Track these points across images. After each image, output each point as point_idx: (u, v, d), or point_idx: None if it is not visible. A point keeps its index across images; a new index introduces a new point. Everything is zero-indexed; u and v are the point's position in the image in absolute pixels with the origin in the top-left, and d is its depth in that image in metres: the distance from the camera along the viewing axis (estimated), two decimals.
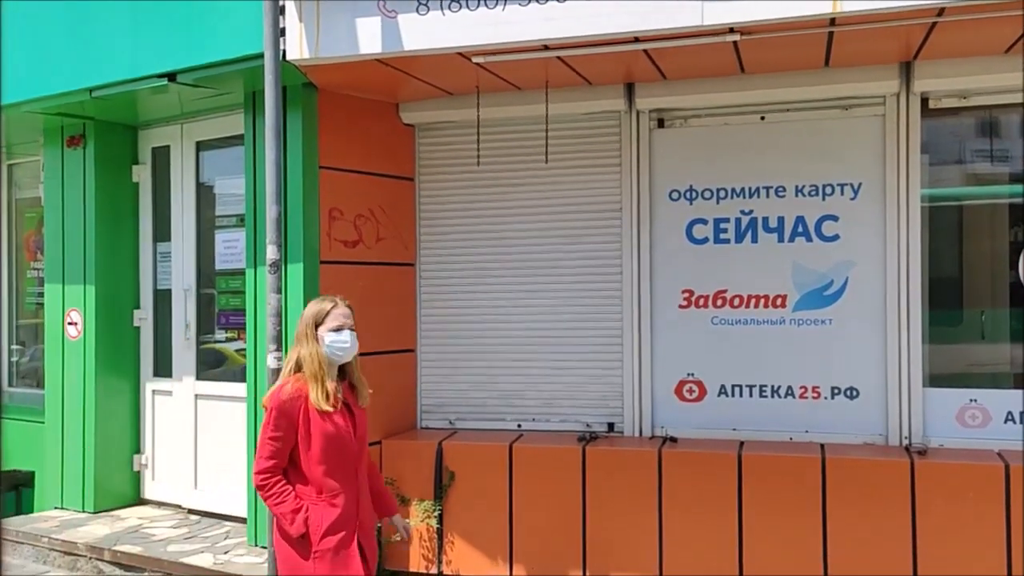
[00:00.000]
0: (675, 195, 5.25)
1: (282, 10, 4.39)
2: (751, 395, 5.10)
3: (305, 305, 4.81)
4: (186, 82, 4.89)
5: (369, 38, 4.33)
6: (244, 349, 5.53)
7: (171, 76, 4.87)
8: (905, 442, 4.77)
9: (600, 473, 4.93)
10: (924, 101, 4.83)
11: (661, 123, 5.28)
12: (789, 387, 5.02)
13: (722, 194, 5.17)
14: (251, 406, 5.10)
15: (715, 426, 5.13)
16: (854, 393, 4.92)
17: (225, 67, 4.74)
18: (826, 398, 4.96)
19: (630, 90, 5.17)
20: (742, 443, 4.91)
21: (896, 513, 4.43)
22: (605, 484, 4.91)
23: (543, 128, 5.25)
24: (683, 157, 5.23)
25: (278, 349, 3.98)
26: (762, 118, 5.10)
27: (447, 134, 5.61)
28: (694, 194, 5.21)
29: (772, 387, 5.06)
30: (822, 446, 4.78)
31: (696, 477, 4.77)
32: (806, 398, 4.99)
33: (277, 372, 3.98)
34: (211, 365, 5.91)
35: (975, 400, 4.75)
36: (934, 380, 4.85)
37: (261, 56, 4.48)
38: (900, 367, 4.80)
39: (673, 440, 5.07)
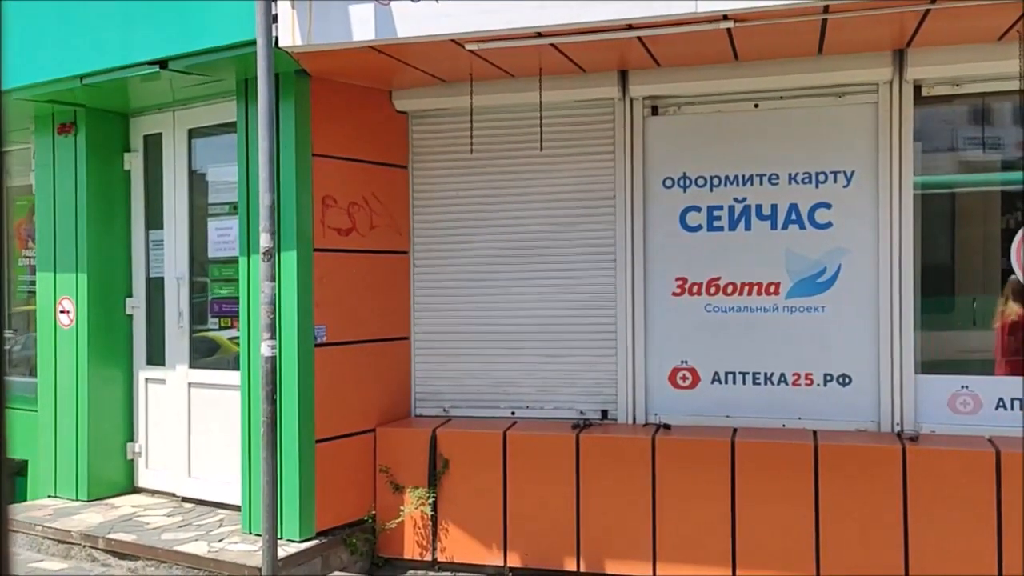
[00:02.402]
0: (668, 183, 5.25)
1: None
2: (744, 382, 5.12)
3: (299, 294, 4.86)
4: (178, 69, 4.86)
5: (362, 25, 4.31)
6: (236, 338, 5.52)
7: (163, 63, 4.83)
8: (897, 428, 4.80)
9: (594, 460, 4.95)
10: (917, 88, 4.83)
11: (655, 110, 5.27)
12: (782, 374, 5.04)
13: (715, 182, 5.17)
14: (244, 394, 5.09)
15: (708, 413, 5.15)
16: (847, 380, 4.94)
17: (217, 54, 4.70)
18: (819, 385, 4.98)
19: (623, 77, 5.16)
20: (735, 430, 4.94)
21: (888, 498, 4.46)
22: (599, 471, 4.93)
23: (536, 116, 5.24)
24: (677, 144, 5.23)
25: (272, 337, 3.97)
26: (756, 106, 5.10)
27: (440, 122, 5.59)
28: (688, 182, 5.22)
29: (765, 374, 5.08)
30: (815, 433, 4.80)
31: (690, 464, 4.80)
32: (799, 385, 5.01)
33: (271, 360, 3.98)
34: (204, 353, 5.90)
35: (966, 387, 4.77)
36: (926, 367, 4.88)
37: (253, 43, 4.45)
38: (892, 354, 4.82)
39: (667, 427, 5.09)
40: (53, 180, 6.02)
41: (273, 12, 4.36)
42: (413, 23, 4.24)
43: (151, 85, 5.29)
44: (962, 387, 4.78)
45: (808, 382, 5.00)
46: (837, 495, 4.54)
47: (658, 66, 5.00)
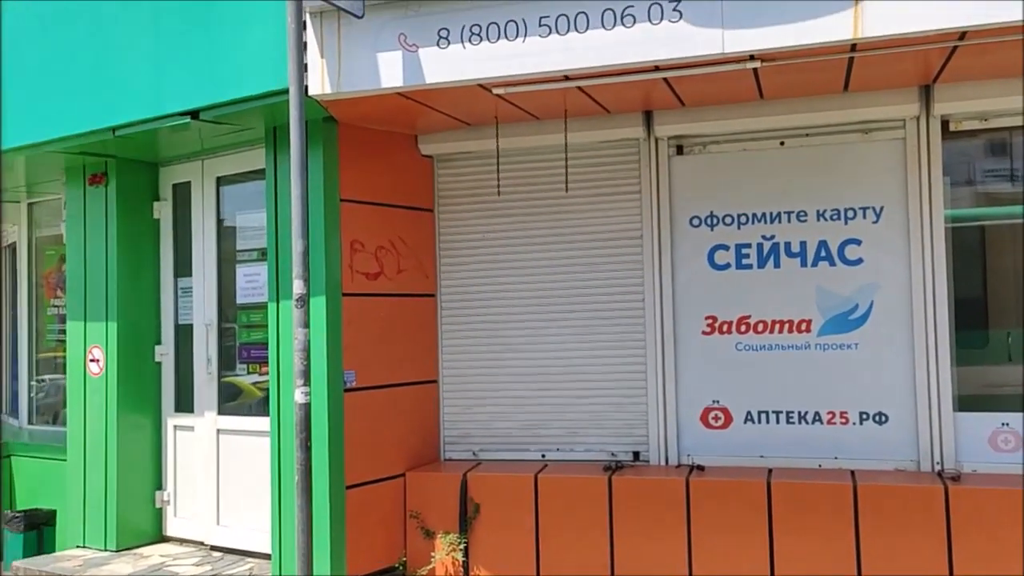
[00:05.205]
0: (696, 221, 5.24)
1: (304, 46, 4.42)
2: (778, 421, 5.05)
3: (328, 339, 4.86)
4: (208, 119, 4.92)
5: (390, 72, 4.36)
6: (260, 382, 5.53)
7: (194, 114, 4.90)
8: (937, 467, 4.71)
9: (627, 503, 4.88)
10: (944, 124, 4.82)
11: (680, 150, 5.28)
12: (816, 413, 4.97)
13: (743, 219, 5.16)
14: (274, 441, 5.07)
15: (742, 453, 5.08)
16: (883, 418, 4.86)
17: (247, 104, 4.76)
18: (855, 423, 4.90)
19: (648, 117, 5.18)
20: (770, 470, 4.86)
21: (931, 540, 4.36)
22: (632, 514, 4.85)
23: (561, 157, 5.27)
24: (703, 183, 5.23)
25: (306, 384, 3.96)
26: (781, 143, 5.10)
27: (465, 165, 5.63)
28: (715, 220, 5.20)
29: (799, 413, 5.00)
30: (852, 472, 4.72)
31: (725, 506, 4.71)
32: (834, 424, 4.94)
33: (305, 407, 3.96)
34: (227, 398, 5.89)
35: (1007, 424, 4.68)
36: (963, 403, 4.79)
37: (283, 92, 4.50)
38: (929, 391, 4.75)
39: (700, 468, 5.02)
40: (84, 230, 6.09)
41: (303, 61, 4.41)
42: (441, 68, 4.29)
43: (180, 135, 5.36)
44: (1002, 424, 4.69)
45: (843, 420, 4.93)
46: (878, 537, 4.44)
47: (683, 105, 5.02)
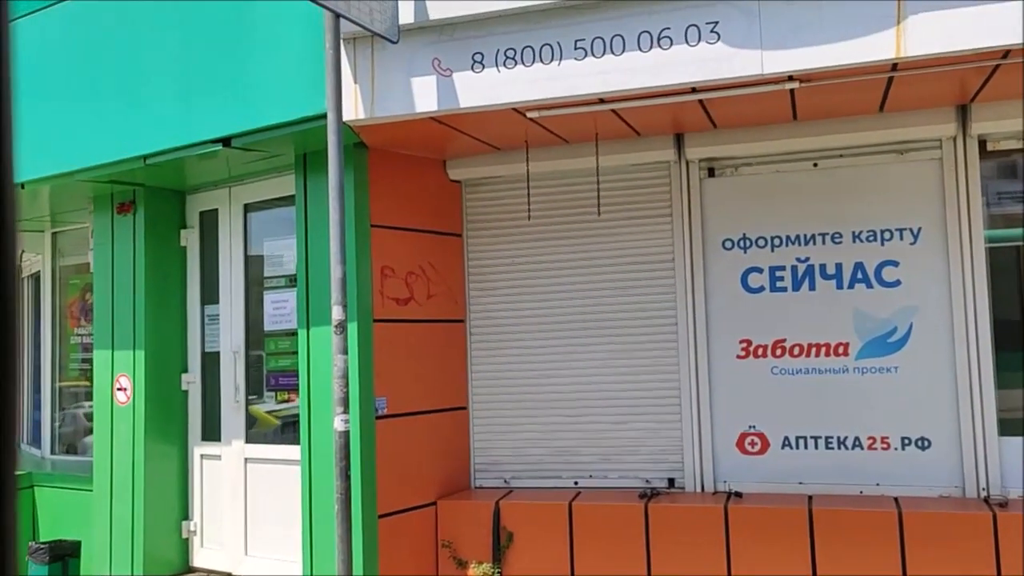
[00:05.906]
0: (728, 244, 5.19)
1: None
2: (816, 447, 4.96)
3: (360, 366, 4.81)
4: (239, 146, 4.92)
5: (424, 97, 4.34)
6: (276, 411, 5.48)
7: (225, 141, 4.90)
8: (983, 493, 4.61)
9: (664, 531, 4.78)
10: (982, 143, 4.77)
11: (711, 172, 5.24)
12: (856, 438, 4.88)
13: (777, 242, 5.10)
14: (305, 469, 5.01)
15: (780, 479, 4.99)
16: (926, 443, 4.77)
17: (278, 130, 4.76)
18: (896, 449, 4.81)
19: (679, 140, 5.15)
20: (810, 497, 4.76)
21: (981, 569, 4.24)
22: (670, 542, 4.76)
23: (590, 181, 5.24)
24: (735, 205, 5.18)
25: (345, 412, 3.90)
26: (815, 164, 5.06)
27: (494, 189, 5.60)
28: (748, 242, 5.15)
29: (838, 438, 4.91)
30: (896, 499, 4.62)
31: (765, 534, 4.62)
32: (875, 449, 4.84)
33: (345, 435, 3.90)
34: (248, 428, 5.84)
35: None
36: (1006, 427, 4.70)
37: (314, 118, 4.51)
38: (973, 415, 4.66)
39: (738, 495, 4.93)
40: (111, 258, 6.08)
41: (342, 87, 4.39)
42: (475, 93, 4.27)
43: (209, 162, 5.36)
44: None
45: (885, 446, 4.83)
46: (926, 565, 4.33)
47: (714, 127, 4.99)
